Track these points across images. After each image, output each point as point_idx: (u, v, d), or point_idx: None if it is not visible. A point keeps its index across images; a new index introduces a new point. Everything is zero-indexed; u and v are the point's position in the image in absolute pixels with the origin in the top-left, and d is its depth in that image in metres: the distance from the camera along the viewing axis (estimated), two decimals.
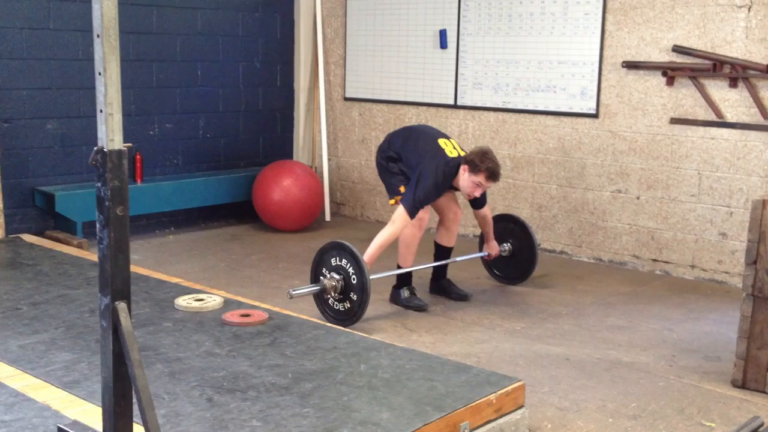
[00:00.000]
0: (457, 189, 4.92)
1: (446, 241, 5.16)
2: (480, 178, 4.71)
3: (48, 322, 3.92)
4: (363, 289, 4.40)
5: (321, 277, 4.58)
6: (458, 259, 5.27)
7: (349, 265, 4.47)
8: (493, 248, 5.35)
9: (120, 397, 2.31)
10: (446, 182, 4.80)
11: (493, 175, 4.73)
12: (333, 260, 4.55)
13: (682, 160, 5.75)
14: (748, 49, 5.38)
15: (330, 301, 4.57)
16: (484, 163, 4.70)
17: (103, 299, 2.26)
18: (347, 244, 4.52)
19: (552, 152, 6.35)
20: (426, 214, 4.82)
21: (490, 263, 5.56)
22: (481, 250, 5.46)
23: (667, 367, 4.12)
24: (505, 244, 5.44)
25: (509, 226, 5.48)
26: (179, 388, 3.14)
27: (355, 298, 4.45)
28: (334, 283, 4.50)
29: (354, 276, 4.45)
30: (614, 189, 6.08)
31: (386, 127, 7.36)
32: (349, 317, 4.47)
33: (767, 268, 3.71)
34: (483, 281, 5.58)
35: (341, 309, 4.52)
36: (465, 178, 4.75)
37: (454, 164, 4.79)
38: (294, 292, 4.45)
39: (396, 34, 7.19)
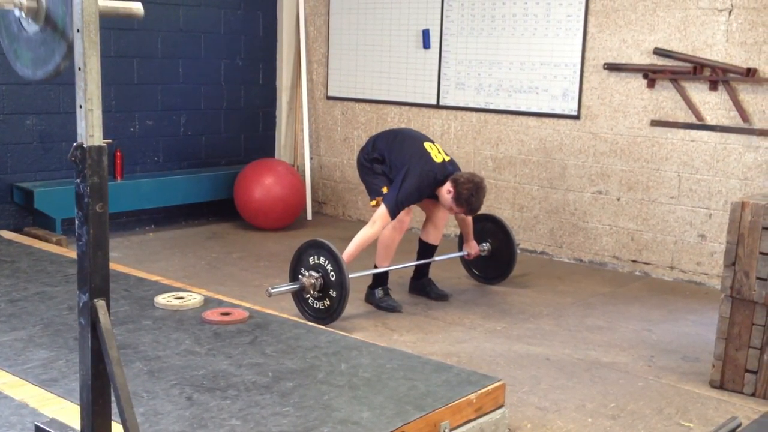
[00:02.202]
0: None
1: (432, 239, 5.15)
2: (459, 210, 4.81)
3: (26, 320, 3.89)
4: (342, 286, 4.40)
5: (300, 276, 4.57)
6: (438, 258, 5.27)
7: (327, 263, 4.47)
8: (473, 248, 5.36)
9: (98, 396, 2.29)
10: (429, 188, 4.84)
11: (471, 212, 4.87)
12: (312, 258, 4.54)
13: (662, 162, 5.78)
14: (729, 52, 5.42)
15: (309, 300, 4.57)
16: (469, 203, 4.74)
17: (82, 296, 2.24)
18: (326, 242, 4.52)
19: (534, 153, 6.38)
20: (407, 216, 4.83)
21: (469, 263, 5.57)
22: (460, 249, 5.47)
23: (646, 368, 4.15)
24: (484, 244, 5.46)
25: (488, 226, 5.50)
26: (158, 387, 3.12)
27: (334, 295, 4.45)
28: (312, 281, 4.49)
29: (333, 274, 4.45)
30: (595, 190, 6.11)
31: (368, 126, 7.36)
32: (328, 315, 4.47)
33: (746, 270, 3.74)
34: (463, 281, 5.59)
35: (320, 307, 4.52)
36: (447, 198, 4.79)
37: (442, 175, 4.83)
38: (273, 290, 4.43)
39: (379, 33, 7.19)
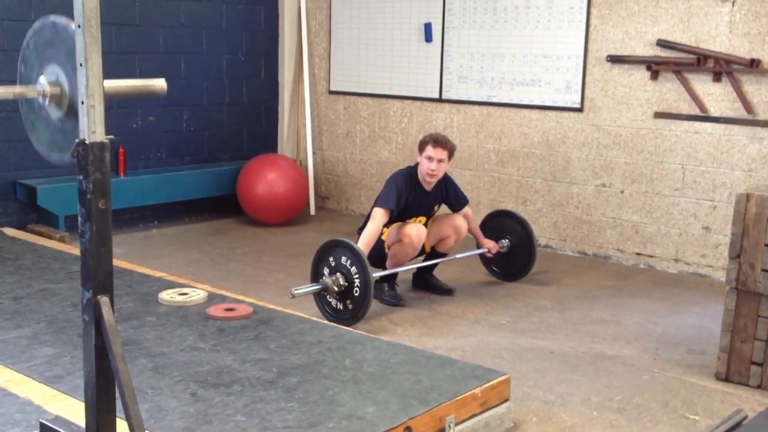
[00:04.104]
0: (437, 199, 5.04)
1: (440, 248, 5.12)
2: (428, 151, 4.84)
3: (30, 317, 3.89)
4: (365, 287, 4.34)
5: (322, 275, 4.53)
6: (459, 256, 5.22)
7: (350, 263, 4.40)
8: (491, 244, 5.33)
9: (103, 392, 2.29)
10: (407, 179, 4.89)
11: (436, 141, 4.86)
12: (335, 259, 4.48)
13: (666, 154, 5.76)
14: (732, 43, 5.40)
15: (330, 300, 4.53)
16: (426, 137, 4.92)
17: (86, 293, 2.24)
18: (348, 241, 4.44)
19: (537, 146, 6.36)
20: (417, 233, 4.80)
21: (489, 260, 5.50)
22: (478, 248, 5.42)
23: (651, 361, 4.14)
24: (503, 240, 5.40)
25: (507, 222, 5.45)
26: (163, 383, 3.12)
27: (357, 297, 4.37)
28: (335, 282, 4.42)
29: (356, 274, 4.38)
30: (599, 183, 6.09)
31: (371, 120, 7.34)
32: (352, 316, 4.40)
33: (751, 262, 3.72)
34: (468, 275, 5.58)
35: (341, 308, 4.48)
36: (420, 161, 4.89)
37: (411, 168, 4.99)
38: (296, 292, 4.36)
39: (381, 27, 7.17)
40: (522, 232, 5.39)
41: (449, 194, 5.10)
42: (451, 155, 4.89)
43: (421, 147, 4.88)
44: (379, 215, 4.74)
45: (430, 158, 4.82)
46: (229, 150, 7.53)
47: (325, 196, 7.82)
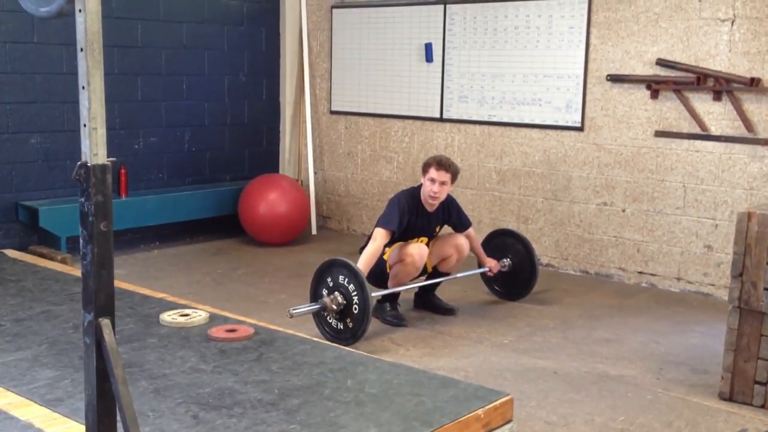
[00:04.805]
0: (439, 221, 5.03)
1: (442, 267, 5.13)
2: (431, 173, 4.83)
3: (31, 339, 3.87)
4: (364, 307, 4.34)
5: (321, 296, 4.53)
6: (459, 275, 5.23)
7: (349, 282, 4.40)
8: (492, 263, 5.33)
9: (104, 415, 2.28)
10: (410, 200, 4.89)
11: (440, 163, 4.84)
12: (333, 278, 4.48)
13: (667, 173, 5.77)
14: (732, 62, 5.42)
15: (330, 320, 4.53)
16: (430, 158, 4.92)
17: (87, 315, 2.23)
18: (347, 261, 4.46)
19: (538, 165, 6.37)
20: (419, 253, 4.80)
21: (490, 279, 5.51)
22: (480, 267, 5.42)
23: (655, 380, 4.12)
24: (505, 260, 5.40)
25: (508, 241, 5.45)
26: (164, 405, 3.11)
27: (356, 316, 4.38)
28: (334, 302, 4.43)
29: (355, 293, 4.38)
30: (600, 202, 6.09)
31: (372, 140, 7.36)
32: (351, 335, 4.40)
33: (753, 281, 3.71)
34: (469, 295, 5.57)
35: (341, 327, 4.47)
36: (423, 183, 4.89)
37: (414, 188, 4.99)
38: (294, 312, 4.37)
39: (382, 47, 7.21)
40: (523, 251, 5.39)
41: (452, 216, 5.10)
42: (454, 178, 4.90)
43: (425, 169, 4.88)
44: (380, 236, 4.75)
45: (432, 180, 4.82)
46: (231, 170, 7.55)
47: (326, 215, 7.83)
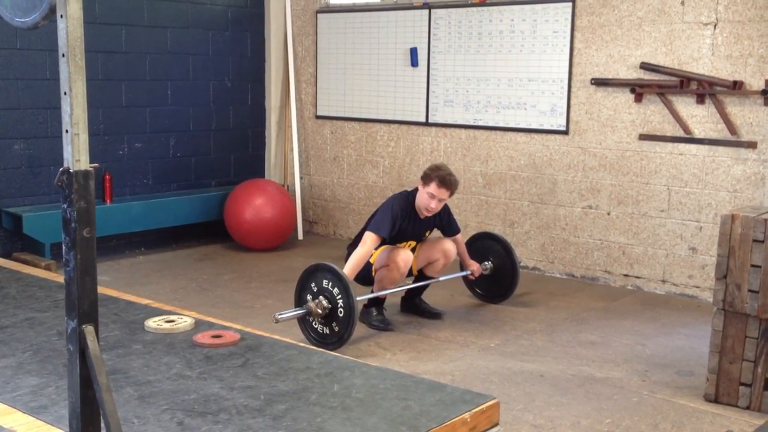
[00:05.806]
0: (429, 226, 5.01)
1: (429, 271, 5.13)
2: (432, 188, 4.77)
3: (15, 346, 3.84)
4: (349, 311, 4.33)
5: (306, 301, 4.52)
6: (442, 278, 5.23)
7: (333, 286, 4.40)
8: (474, 266, 5.33)
9: (88, 423, 2.26)
10: (403, 204, 4.86)
11: (443, 181, 4.76)
12: (317, 283, 4.47)
13: (651, 176, 5.80)
14: (715, 65, 5.45)
15: (315, 324, 4.52)
16: (434, 172, 4.78)
17: (70, 323, 2.22)
18: (331, 265, 4.45)
19: (523, 169, 6.39)
20: (404, 259, 4.79)
21: (472, 282, 5.53)
22: (462, 270, 5.43)
23: (640, 383, 4.13)
24: (486, 263, 5.42)
25: (488, 244, 5.47)
26: (149, 412, 3.09)
27: (341, 320, 4.37)
28: (319, 306, 4.42)
29: (340, 297, 4.38)
30: (585, 205, 6.12)
31: (358, 145, 7.36)
32: (337, 339, 4.40)
33: (737, 283, 3.74)
34: (456, 299, 5.58)
35: (326, 332, 4.46)
36: (420, 192, 4.82)
37: (409, 193, 4.93)
38: (280, 317, 4.37)
39: (367, 52, 7.21)
40: (504, 254, 5.41)
41: (443, 221, 5.10)
42: (452, 194, 4.89)
43: (427, 180, 4.79)
44: (370, 240, 4.73)
45: (432, 196, 4.77)
46: (217, 176, 7.53)
47: (312, 220, 7.82)
